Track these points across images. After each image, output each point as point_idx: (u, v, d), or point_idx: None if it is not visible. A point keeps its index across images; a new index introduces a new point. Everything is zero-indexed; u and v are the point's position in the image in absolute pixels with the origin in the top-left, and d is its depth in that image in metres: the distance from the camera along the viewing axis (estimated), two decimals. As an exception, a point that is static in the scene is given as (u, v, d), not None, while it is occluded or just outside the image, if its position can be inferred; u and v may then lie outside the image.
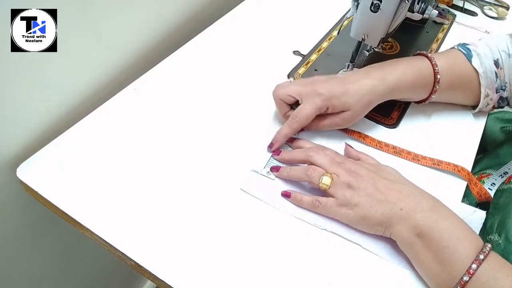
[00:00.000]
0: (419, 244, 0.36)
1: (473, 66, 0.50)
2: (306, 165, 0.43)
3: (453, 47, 0.53)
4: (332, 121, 0.48)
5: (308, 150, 0.44)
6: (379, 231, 0.39)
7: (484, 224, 0.45)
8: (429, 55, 0.50)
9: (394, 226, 0.38)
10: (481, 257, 0.34)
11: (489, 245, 0.35)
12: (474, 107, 0.54)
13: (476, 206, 0.48)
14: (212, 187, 0.44)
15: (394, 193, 0.39)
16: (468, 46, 0.52)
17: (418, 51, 0.52)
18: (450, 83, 0.50)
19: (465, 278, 0.33)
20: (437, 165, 0.48)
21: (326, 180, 0.40)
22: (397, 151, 0.49)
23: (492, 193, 0.48)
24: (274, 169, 0.45)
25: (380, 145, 0.50)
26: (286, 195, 0.43)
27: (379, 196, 0.39)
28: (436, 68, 0.48)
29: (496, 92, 0.51)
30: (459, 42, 0.54)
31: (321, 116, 0.47)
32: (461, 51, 0.51)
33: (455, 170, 0.47)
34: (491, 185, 0.50)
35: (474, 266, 0.33)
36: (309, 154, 0.43)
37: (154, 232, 0.40)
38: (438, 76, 0.48)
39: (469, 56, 0.50)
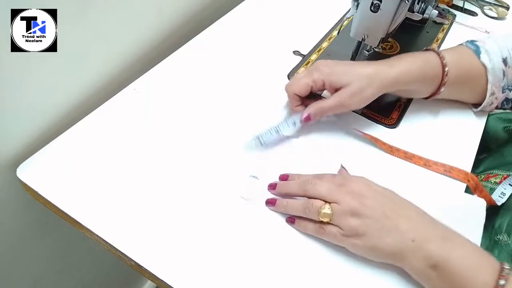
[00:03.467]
0: (434, 276, 0.34)
1: (481, 62, 0.49)
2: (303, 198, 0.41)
3: (461, 44, 0.52)
4: (334, 99, 0.46)
5: (304, 184, 0.41)
6: (388, 262, 0.37)
7: (493, 224, 0.45)
8: (436, 49, 0.49)
9: (406, 259, 0.35)
10: (502, 282, 0.32)
11: (507, 266, 0.33)
12: (476, 105, 0.53)
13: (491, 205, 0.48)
14: (212, 187, 0.44)
15: (403, 220, 0.36)
16: (476, 43, 0.51)
17: (425, 48, 0.51)
18: (457, 77, 0.49)
19: None
20: (448, 172, 0.47)
21: (325, 212, 0.37)
22: (408, 156, 0.48)
23: (501, 201, 0.47)
24: (270, 202, 0.42)
25: (391, 149, 0.49)
26: (290, 221, 0.41)
27: (388, 224, 0.36)
28: (444, 61, 0.48)
29: (503, 92, 0.51)
30: (462, 41, 0.53)
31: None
32: (469, 47, 0.51)
33: (465, 179, 0.46)
34: (501, 194, 0.48)
35: None
36: (305, 189, 0.40)
37: (154, 232, 0.40)
38: (446, 69, 0.48)
39: (477, 52, 0.50)
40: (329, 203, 0.38)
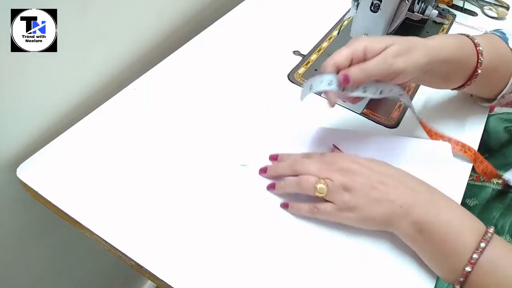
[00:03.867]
0: (421, 239, 0.37)
1: (510, 48, 0.48)
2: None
3: (487, 32, 0.51)
4: (379, 57, 0.40)
5: (293, 164, 0.42)
6: (381, 229, 0.39)
7: (495, 224, 0.46)
8: (467, 34, 0.47)
9: (395, 224, 0.38)
10: (483, 245, 0.34)
11: (491, 230, 0.35)
12: (490, 100, 0.52)
13: (492, 205, 0.48)
14: (212, 187, 0.44)
15: (391, 189, 0.38)
16: (501, 30, 0.50)
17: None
18: (491, 61, 0.46)
19: (468, 269, 0.33)
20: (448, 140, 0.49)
21: (321, 188, 0.39)
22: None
23: None
24: (271, 187, 0.43)
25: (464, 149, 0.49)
26: (284, 206, 0.42)
27: (377, 194, 0.38)
28: (476, 41, 0.46)
29: None
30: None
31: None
32: (496, 34, 0.50)
33: (462, 151, 0.48)
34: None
35: (475, 256, 0.33)
36: (295, 169, 0.42)
37: (154, 232, 0.40)
38: (480, 48, 0.46)
39: (505, 39, 0.49)
40: (322, 179, 0.40)
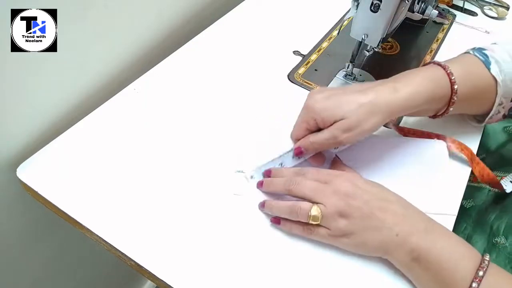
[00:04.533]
0: (418, 267, 0.36)
1: (492, 74, 0.46)
2: (289, 197, 0.41)
3: (468, 52, 0.49)
4: (327, 132, 0.41)
5: (287, 183, 0.40)
6: (376, 255, 0.38)
7: (491, 226, 0.46)
8: (443, 63, 0.45)
9: (392, 253, 0.37)
10: (481, 273, 0.33)
11: (487, 258, 0.34)
12: (479, 117, 0.51)
13: (488, 206, 0.48)
14: (212, 187, 0.44)
15: (389, 216, 0.37)
16: (485, 52, 0.47)
17: (431, 61, 0.47)
18: (466, 93, 0.45)
19: None
20: (443, 138, 0.48)
21: (315, 216, 0.37)
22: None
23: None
24: (261, 205, 0.42)
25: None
26: (275, 222, 0.40)
27: (375, 222, 0.37)
28: (452, 78, 0.44)
29: (511, 101, 0.48)
30: (462, 41, 0.52)
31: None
32: (478, 57, 0.47)
33: (458, 148, 0.48)
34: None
35: (474, 285, 0.33)
36: (289, 188, 0.40)
37: (154, 232, 0.40)
38: (455, 86, 0.44)
39: (487, 63, 0.46)
40: (316, 203, 0.38)
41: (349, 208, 0.37)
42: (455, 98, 0.44)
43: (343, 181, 0.39)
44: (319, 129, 0.43)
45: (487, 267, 0.34)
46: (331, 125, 0.41)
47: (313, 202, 0.38)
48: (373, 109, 0.40)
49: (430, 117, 0.48)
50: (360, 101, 0.40)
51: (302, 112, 0.44)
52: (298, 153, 0.43)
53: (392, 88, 0.42)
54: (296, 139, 0.45)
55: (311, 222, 0.38)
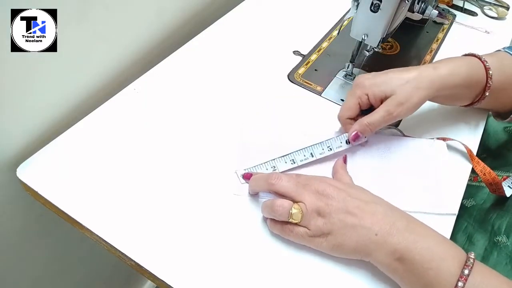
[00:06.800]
0: (402, 269, 0.35)
1: None
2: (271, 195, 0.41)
3: (498, 50, 0.51)
4: (381, 110, 0.44)
5: (269, 178, 0.40)
6: (356, 257, 0.37)
7: (492, 225, 0.46)
8: (477, 54, 0.48)
9: (372, 254, 0.36)
10: (466, 272, 0.33)
11: (472, 256, 0.34)
12: (504, 114, 0.52)
13: (489, 205, 0.48)
14: (212, 187, 0.44)
15: (367, 215, 0.36)
16: None
17: (467, 52, 0.50)
18: (500, 82, 0.47)
19: None
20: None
21: (296, 215, 0.37)
22: None
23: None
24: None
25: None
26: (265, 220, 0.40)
27: (352, 220, 0.36)
28: (487, 64, 0.46)
29: None
30: (462, 41, 0.52)
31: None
32: (508, 52, 0.49)
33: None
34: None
35: (460, 284, 0.32)
36: (271, 182, 0.39)
37: (154, 232, 0.40)
38: (490, 72, 0.46)
39: None
40: (296, 202, 0.38)
41: (327, 207, 0.37)
42: (490, 83, 0.46)
43: (321, 181, 0.39)
44: (364, 112, 0.46)
45: (473, 265, 0.33)
46: (381, 103, 0.44)
47: (294, 201, 0.38)
48: (418, 84, 0.43)
49: (464, 106, 0.50)
50: (405, 77, 0.44)
51: (353, 91, 0.46)
52: (355, 138, 0.45)
53: (432, 67, 0.45)
54: (347, 118, 0.46)
55: (291, 220, 0.37)
